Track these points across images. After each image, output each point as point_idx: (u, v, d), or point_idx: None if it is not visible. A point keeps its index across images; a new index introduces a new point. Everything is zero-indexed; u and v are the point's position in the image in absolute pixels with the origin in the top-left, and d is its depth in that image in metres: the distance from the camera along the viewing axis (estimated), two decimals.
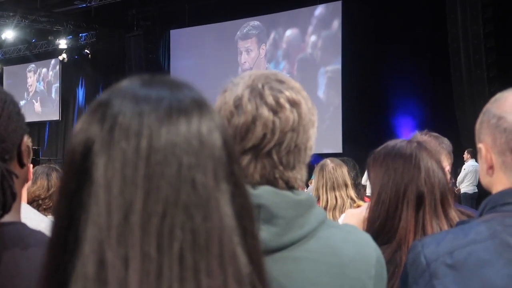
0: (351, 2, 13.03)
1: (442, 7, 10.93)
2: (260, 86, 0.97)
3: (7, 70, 20.62)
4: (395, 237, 1.55)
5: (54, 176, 2.81)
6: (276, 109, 0.95)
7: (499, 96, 1.13)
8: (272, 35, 14.56)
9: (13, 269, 0.97)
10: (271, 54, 14.61)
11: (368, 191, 3.28)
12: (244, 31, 14.93)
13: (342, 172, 3.23)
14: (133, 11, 15.75)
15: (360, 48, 12.52)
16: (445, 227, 1.55)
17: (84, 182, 0.58)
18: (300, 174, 0.99)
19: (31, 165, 1.32)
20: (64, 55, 17.07)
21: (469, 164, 9.87)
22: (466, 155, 9.92)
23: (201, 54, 15.44)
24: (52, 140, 19.49)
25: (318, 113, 1.02)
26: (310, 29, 13.92)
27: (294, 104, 0.96)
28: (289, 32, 14.29)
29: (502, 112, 1.09)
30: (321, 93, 13.64)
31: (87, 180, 0.58)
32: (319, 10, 13.79)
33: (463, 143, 9.81)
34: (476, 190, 9.81)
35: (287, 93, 0.97)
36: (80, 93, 18.61)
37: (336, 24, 13.45)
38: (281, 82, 0.99)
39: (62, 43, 16.73)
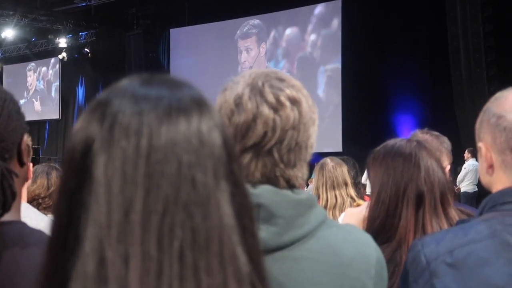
0: (350, 0, 13.03)
1: (442, 5, 10.93)
2: (260, 84, 0.97)
3: (7, 69, 20.63)
4: (395, 236, 1.56)
5: (54, 175, 2.82)
6: (276, 107, 0.95)
7: (499, 95, 1.13)
8: (272, 34, 14.56)
9: (13, 268, 0.97)
10: (271, 53, 14.61)
11: (368, 190, 3.28)
12: (244, 30, 14.92)
13: (342, 171, 3.23)
14: (133, 10, 15.76)
15: (360, 46, 12.52)
16: (445, 226, 1.55)
17: (84, 180, 0.58)
18: (301, 172, 0.99)
19: (31, 164, 1.32)
20: (64, 54, 17.08)
21: (470, 163, 9.87)
22: (466, 154, 9.93)
23: (201, 53, 15.44)
24: (52, 139, 19.49)
25: (318, 112, 1.02)
26: (310, 27, 13.92)
27: (294, 102, 0.96)
28: (288, 31, 14.29)
29: (502, 111, 1.09)
30: (320, 92, 13.63)
31: (87, 178, 0.58)
32: (319, 9, 13.79)
33: (462, 142, 9.81)
34: (476, 189, 9.81)
35: (288, 91, 0.97)
36: (80, 92, 18.61)
37: (336, 22, 13.44)
38: (281, 80, 0.99)
39: (62, 42, 16.74)
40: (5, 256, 0.98)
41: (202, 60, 15.36)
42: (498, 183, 1.11)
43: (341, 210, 3.08)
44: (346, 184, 3.22)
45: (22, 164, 1.07)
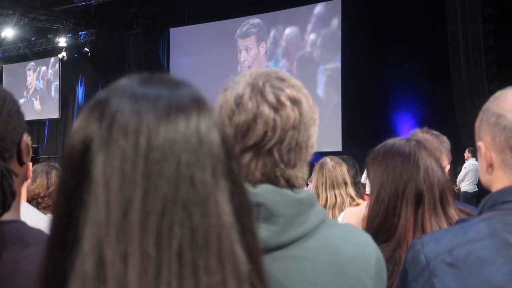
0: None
1: (442, 4, 10.92)
2: (261, 84, 0.97)
3: (6, 68, 20.63)
4: (394, 235, 1.56)
5: (54, 175, 2.82)
6: (277, 107, 0.95)
7: (499, 94, 1.13)
8: (271, 33, 14.56)
9: (12, 267, 0.97)
10: (270, 52, 14.61)
11: (368, 190, 3.28)
12: (244, 29, 14.92)
13: (342, 171, 3.24)
14: (133, 9, 15.76)
15: (359, 46, 12.52)
16: (444, 225, 1.55)
17: (83, 180, 0.58)
18: (301, 172, 0.99)
19: (31, 164, 1.32)
20: (63, 53, 17.08)
21: (470, 162, 9.87)
22: (466, 154, 9.93)
23: (201, 52, 15.44)
24: (51, 139, 19.49)
25: (318, 111, 1.02)
26: (310, 27, 13.92)
27: (295, 102, 0.96)
28: (288, 30, 14.29)
29: (502, 110, 1.09)
30: (320, 91, 13.63)
31: (85, 178, 0.58)
32: (319, 8, 13.79)
33: (462, 142, 9.81)
34: (477, 189, 9.81)
35: (288, 91, 0.97)
36: (80, 91, 18.61)
37: (336, 22, 13.44)
38: (282, 80, 0.99)
39: (62, 41, 16.74)
40: (5, 255, 0.98)
41: (201, 59, 15.36)
42: (497, 182, 1.11)
43: (341, 210, 3.08)
44: (345, 184, 3.22)
45: (21, 163, 1.07)
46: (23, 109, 1.09)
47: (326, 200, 3.18)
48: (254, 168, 0.95)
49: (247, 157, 0.95)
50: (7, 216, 0.99)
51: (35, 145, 14.73)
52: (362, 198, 3.40)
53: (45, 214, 2.33)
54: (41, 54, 19.13)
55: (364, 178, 4.81)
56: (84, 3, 15.07)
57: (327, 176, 3.21)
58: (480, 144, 1.14)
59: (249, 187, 0.92)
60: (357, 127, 12.32)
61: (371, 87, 12.29)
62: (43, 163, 3.02)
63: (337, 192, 3.19)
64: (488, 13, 10.41)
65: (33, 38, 18.15)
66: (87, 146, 0.59)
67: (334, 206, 3.16)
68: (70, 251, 0.57)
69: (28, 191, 2.61)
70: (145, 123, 0.58)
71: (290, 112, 0.95)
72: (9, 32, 16.57)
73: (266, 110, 0.94)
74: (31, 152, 1.21)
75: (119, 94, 0.61)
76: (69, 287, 0.56)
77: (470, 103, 10.34)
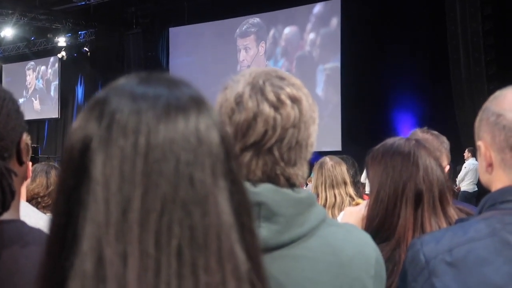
0: None
1: (441, 4, 10.92)
2: (261, 82, 0.97)
3: (6, 68, 20.62)
4: (394, 235, 1.56)
5: (53, 174, 2.82)
6: (277, 106, 0.95)
7: (498, 93, 1.13)
8: (271, 33, 14.56)
9: (12, 266, 0.97)
10: (270, 51, 14.61)
11: (367, 189, 3.28)
12: (243, 28, 14.92)
13: (341, 170, 3.24)
14: (132, 8, 15.75)
15: (359, 45, 12.51)
16: (444, 224, 1.55)
17: (82, 179, 0.58)
18: (301, 170, 0.99)
19: (30, 163, 1.32)
20: (63, 53, 17.07)
21: (470, 162, 9.87)
22: (466, 154, 9.92)
23: (200, 52, 15.44)
24: (51, 138, 19.48)
25: (317, 110, 1.02)
26: (309, 26, 13.92)
27: (295, 100, 0.96)
28: (288, 30, 14.29)
29: (501, 109, 1.09)
30: (319, 91, 13.63)
31: (85, 177, 0.58)
32: (318, 7, 13.79)
33: (462, 141, 9.81)
34: (476, 189, 9.81)
35: (288, 89, 0.97)
36: (79, 90, 18.60)
37: (335, 21, 13.44)
38: (281, 78, 0.99)
39: (61, 41, 16.73)
40: (5, 255, 0.98)
41: (201, 59, 15.36)
42: (497, 181, 1.11)
43: (340, 209, 3.08)
44: (345, 183, 3.22)
45: (21, 163, 1.07)
46: (23, 108, 1.09)
47: (326, 199, 3.18)
48: (254, 167, 0.95)
49: (247, 156, 0.95)
50: (6, 216, 0.99)
51: (35, 145, 14.74)
52: (361, 197, 3.40)
53: (45, 213, 2.33)
54: (40, 53, 19.12)
55: (363, 178, 4.81)
56: (83, 3, 15.05)
57: (327, 176, 3.21)
58: (479, 143, 1.14)
59: (249, 186, 0.92)
60: (357, 127, 12.32)
61: (370, 86, 12.29)
62: (43, 163, 3.02)
63: (336, 191, 3.19)
64: (488, 13, 10.41)
65: (32, 38, 18.15)
66: (86, 146, 0.59)
67: (333, 206, 3.16)
68: (69, 250, 0.57)
69: (27, 191, 2.61)
70: (145, 122, 0.58)
71: (290, 110, 0.95)
72: (9, 32, 16.56)
73: (266, 109, 0.94)
74: (30, 152, 1.21)
75: (118, 94, 0.61)
76: (69, 286, 0.56)
77: (470, 103, 10.34)
